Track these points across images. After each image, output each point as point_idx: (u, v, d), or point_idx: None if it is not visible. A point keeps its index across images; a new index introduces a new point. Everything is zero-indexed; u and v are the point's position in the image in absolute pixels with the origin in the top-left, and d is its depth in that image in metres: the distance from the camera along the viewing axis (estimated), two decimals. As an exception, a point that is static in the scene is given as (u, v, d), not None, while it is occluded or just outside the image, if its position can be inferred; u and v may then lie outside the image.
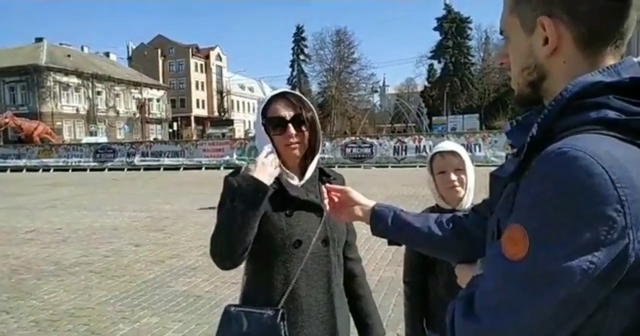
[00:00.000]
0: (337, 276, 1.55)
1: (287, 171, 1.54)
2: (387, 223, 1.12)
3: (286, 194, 1.48)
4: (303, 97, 1.56)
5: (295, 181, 1.54)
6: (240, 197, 1.36)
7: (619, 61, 0.72)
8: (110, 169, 21.86)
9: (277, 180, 1.49)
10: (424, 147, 18.80)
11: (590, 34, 0.70)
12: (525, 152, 0.69)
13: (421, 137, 19.92)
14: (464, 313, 0.69)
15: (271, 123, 1.50)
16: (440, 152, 1.74)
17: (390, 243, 1.16)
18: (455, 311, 0.71)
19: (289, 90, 1.57)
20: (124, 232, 7.75)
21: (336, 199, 1.23)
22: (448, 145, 1.77)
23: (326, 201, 1.21)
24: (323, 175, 1.60)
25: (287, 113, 1.49)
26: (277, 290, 1.46)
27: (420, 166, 17.95)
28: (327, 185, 1.26)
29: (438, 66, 53.91)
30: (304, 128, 1.50)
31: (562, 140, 0.65)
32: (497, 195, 0.76)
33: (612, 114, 0.65)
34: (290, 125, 1.49)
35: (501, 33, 0.81)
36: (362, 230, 1.68)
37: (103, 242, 7.06)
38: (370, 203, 1.18)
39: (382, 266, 5.27)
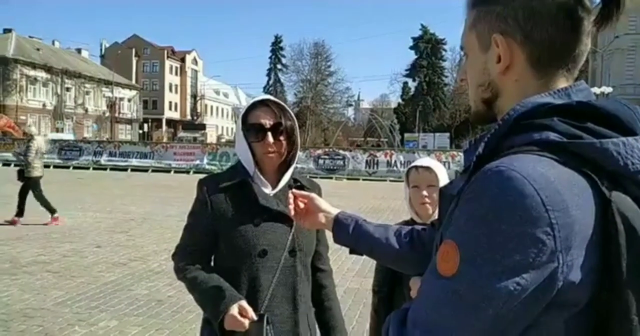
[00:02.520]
0: (304, 287, 1.54)
1: (262, 178, 1.54)
2: (348, 233, 1.12)
3: (256, 203, 1.48)
4: (285, 105, 1.56)
5: (268, 189, 1.54)
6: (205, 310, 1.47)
7: (572, 84, 0.73)
8: (75, 167, 21.18)
9: (249, 187, 1.50)
10: (395, 161, 19.12)
11: (542, 55, 0.72)
12: (471, 170, 0.69)
13: (393, 152, 20.23)
14: (396, 329, 0.69)
15: (250, 130, 1.50)
16: (416, 167, 1.77)
17: (351, 252, 1.17)
18: (390, 326, 0.71)
19: (271, 98, 1.57)
20: (86, 232, 7.52)
21: (302, 205, 1.23)
22: (425, 160, 1.80)
23: (291, 207, 1.22)
24: (297, 184, 1.59)
25: (267, 121, 1.49)
26: (248, 298, 1.44)
27: (390, 180, 18.21)
28: (294, 190, 1.27)
29: (412, 84, 54.78)
30: (282, 138, 1.50)
31: (501, 159, 0.65)
32: (444, 211, 0.76)
33: (553, 136, 0.65)
34: (269, 133, 1.48)
35: (462, 49, 0.83)
36: (330, 240, 1.70)
37: (63, 241, 6.83)
38: (334, 211, 1.19)
39: (349, 277, 5.29)
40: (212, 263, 1.56)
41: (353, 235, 1.12)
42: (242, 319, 1.34)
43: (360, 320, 3.99)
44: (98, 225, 8.10)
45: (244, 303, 1.38)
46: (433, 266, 0.67)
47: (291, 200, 1.23)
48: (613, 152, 0.63)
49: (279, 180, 1.56)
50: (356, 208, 10.14)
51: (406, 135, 43.14)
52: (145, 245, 6.73)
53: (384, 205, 11.35)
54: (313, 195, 1.25)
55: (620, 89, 29.83)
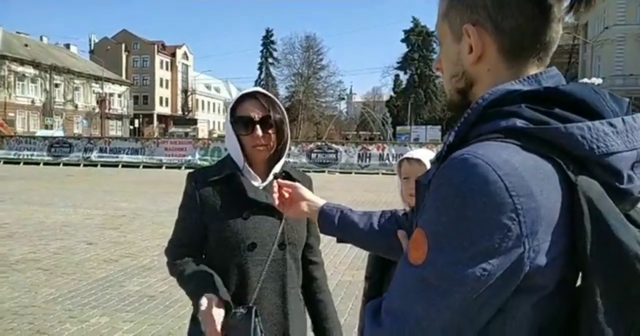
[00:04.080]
0: (293, 279, 1.54)
1: (251, 171, 1.53)
2: (333, 223, 1.13)
3: (245, 196, 1.47)
4: (274, 97, 1.55)
5: (257, 182, 1.53)
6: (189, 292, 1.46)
7: (543, 71, 0.73)
8: (65, 164, 21.03)
9: (238, 180, 1.49)
10: (387, 155, 19.17)
11: (513, 44, 0.72)
12: (442, 159, 0.69)
13: (385, 145, 20.27)
14: (372, 316, 0.70)
15: (239, 122, 1.49)
16: (407, 158, 1.78)
17: (338, 240, 1.18)
18: (366, 315, 0.72)
19: (261, 90, 1.55)
20: (76, 229, 7.46)
21: (287, 195, 1.24)
22: (416, 152, 1.80)
23: (276, 195, 1.22)
24: (288, 177, 1.58)
25: (256, 114, 1.48)
26: (237, 292, 1.44)
27: (383, 173, 18.26)
28: (279, 180, 1.27)
29: (404, 77, 54.99)
30: (271, 131, 1.49)
31: (466, 147, 0.65)
32: (420, 200, 0.77)
33: (519, 123, 0.66)
34: (258, 126, 1.47)
35: (437, 39, 0.83)
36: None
37: (53, 238, 6.78)
38: (319, 201, 1.20)
39: (341, 270, 5.30)
40: (203, 257, 1.55)
41: (339, 226, 1.13)
42: (206, 310, 1.31)
43: (352, 312, 4.01)
44: (89, 222, 8.04)
45: (210, 296, 1.35)
46: (405, 255, 0.68)
47: (275, 190, 1.23)
48: (578, 136, 0.64)
49: (268, 174, 1.55)
50: (349, 202, 10.17)
51: (398, 128, 43.23)
52: (137, 241, 6.70)
53: (377, 198, 11.39)
54: (297, 184, 1.25)
55: (610, 80, 30.05)
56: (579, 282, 0.66)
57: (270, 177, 1.54)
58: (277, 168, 1.55)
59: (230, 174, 1.50)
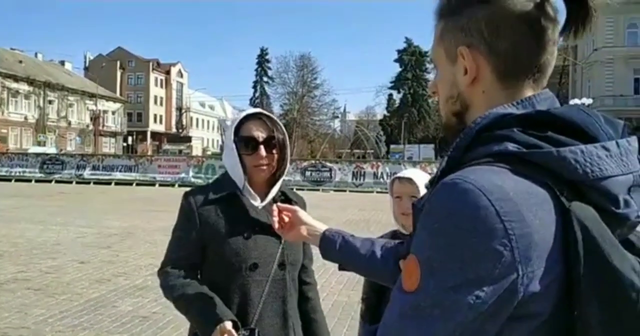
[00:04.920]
0: (293, 299, 1.54)
1: (252, 191, 1.53)
2: (335, 249, 1.12)
3: (246, 215, 1.48)
4: (276, 119, 1.57)
5: (257, 202, 1.53)
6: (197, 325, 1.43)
7: (536, 93, 0.72)
8: (57, 181, 20.84)
9: (239, 200, 1.49)
10: (382, 173, 19.20)
11: (507, 66, 0.72)
12: (435, 184, 0.68)
13: (379, 163, 20.33)
14: None
15: (243, 142, 1.50)
16: (399, 178, 1.79)
17: (340, 268, 1.17)
18: None
19: (264, 111, 1.58)
20: (68, 247, 7.36)
21: (287, 219, 1.24)
22: (408, 172, 1.82)
23: (275, 219, 1.22)
24: (285, 197, 1.60)
25: (260, 134, 1.50)
26: (238, 312, 1.42)
27: (377, 192, 18.24)
28: (278, 204, 1.27)
29: (397, 96, 55.43)
30: (274, 151, 1.51)
31: (458, 172, 0.65)
32: (415, 225, 0.76)
33: (511, 147, 0.65)
34: (262, 146, 1.49)
35: (432, 62, 0.83)
36: (318, 253, 1.69)
37: (44, 257, 6.67)
38: (320, 226, 1.19)
39: (337, 290, 5.25)
40: (199, 277, 1.54)
41: (340, 251, 1.12)
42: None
43: (348, 333, 3.96)
44: (81, 240, 7.94)
45: (229, 325, 1.35)
46: (399, 281, 0.67)
47: (275, 214, 1.23)
48: (571, 160, 0.63)
49: (267, 193, 1.56)
50: (343, 220, 10.13)
51: (392, 146, 43.45)
52: (130, 260, 6.61)
53: (371, 216, 11.36)
54: (297, 208, 1.26)
55: (600, 101, 30.53)
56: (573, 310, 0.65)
57: (270, 196, 1.55)
58: (275, 189, 1.56)
59: (231, 193, 1.50)
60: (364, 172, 19.44)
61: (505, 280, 0.59)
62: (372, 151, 39.53)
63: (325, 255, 1.15)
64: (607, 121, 0.69)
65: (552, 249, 0.61)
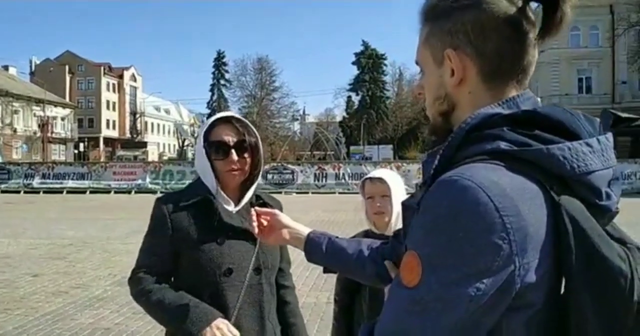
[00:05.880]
0: (270, 304, 1.52)
1: (225, 196, 1.50)
2: (321, 250, 1.11)
3: (220, 221, 1.45)
4: (247, 122, 1.54)
5: (231, 207, 1.51)
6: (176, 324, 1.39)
7: (519, 93, 0.76)
8: (3, 191, 19.75)
9: (212, 205, 1.46)
10: (343, 174, 19.36)
11: (493, 67, 0.75)
12: (429, 182, 0.71)
13: (341, 164, 20.49)
14: None
15: (213, 147, 1.47)
16: (370, 178, 1.80)
17: (325, 270, 1.16)
18: None
19: (234, 115, 1.55)
20: (19, 260, 6.97)
21: (265, 223, 1.22)
22: (378, 172, 1.84)
23: (255, 224, 1.20)
24: (259, 201, 1.57)
25: (230, 139, 1.47)
26: None
27: (339, 193, 18.37)
28: (257, 208, 1.26)
29: (356, 98, 56.07)
30: (246, 155, 1.48)
31: (455, 169, 0.67)
32: (408, 223, 0.78)
33: (503, 145, 0.68)
34: (233, 150, 1.46)
35: (417, 64, 0.85)
36: (292, 255, 1.66)
37: (-6, 271, 6.29)
38: (302, 228, 1.18)
39: (305, 292, 5.22)
40: (172, 284, 1.49)
41: (327, 253, 1.11)
42: (228, 333, 1.33)
43: (318, 334, 3.94)
44: (33, 252, 7.54)
45: (221, 321, 1.34)
46: (397, 278, 0.68)
47: (254, 218, 1.22)
48: (559, 156, 0.66)
49: (241, 197, 1.53)
50: (307, 222, 10.09)
51: (352, 147, 43.89)
52: (87, 271, 6.32)
53: (336, 217, 11.42)
54: (276, 211, 1.24)
55: (547, 100, 31.99)
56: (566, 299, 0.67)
57: (245, 200, 1.52)
58: (250, 193, 1.54)
59: (204, 198, 1.47)
60: (326, 174, 19.52)
61: (504, 272, 0.62)
62: (332, 152, 39.74)
63: (311, 258, 1.14)
64: (587, 119, 0.73)
65: (544, 241, 0.64)
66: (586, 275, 0.63)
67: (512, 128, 0.69)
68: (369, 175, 1.82)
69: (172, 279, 1.50)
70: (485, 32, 0.74)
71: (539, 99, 0.80)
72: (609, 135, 0.73)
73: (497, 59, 0.74)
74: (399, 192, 1.77)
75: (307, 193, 18.85)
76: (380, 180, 1.77)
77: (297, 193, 18.81)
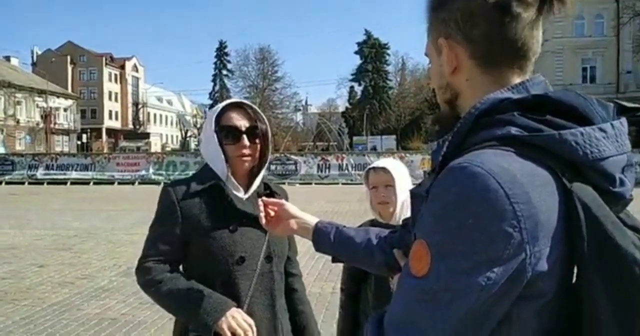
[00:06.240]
0: (280, 292, 1.52)
1: (235, 182, 1.49)
2: (330, 240, 1.11)
3: (232, 207, 1.43)
4: (258, 109, 1.53)
5: (241, 193, 1.49)
6: (189, 316, 1.39)
7: (529, 78, 0.74)
8: (7, 183, 19.83)
9: (223, 191, 1.45)
10: (347, 165, 19.34)
11: (484, 53, 0.74)
12: (438, 169, 0.70)
13: (344, 155, 20.46)
14: (375, 331, 0.69)
15: (225, 132, 1.45)
16: (374, 168, 1.80)
17: (334, 260, 1.16)
18: (368, 328, 0.71)
19: (245, 101, 1.54)
20: (25, 251, 7.01)
21: (272, 213, 1.22)
22: (382, 161, 1.83)
23: (262, 214, 1.20)
24: (267, 189, 1.57)
25: (242, 124, 1.46)
26: None
27: (342, 183, 18.37)
28: (264, 198, 1.25)
29: (358, 88, 55.73)
30: (257, 141, 1.48)
31: (464, 156, 0.66)
32: (416, 211, 0.77)
33: (514, 131, 0.67)
34: (244, 135, 1.45)
35: (427, 56, 0.85)
36: (299, 244, 1.66)
37: (0, 262, 6.33)
38: (310, 218, 1.18)
39: (310, 281, 5.24)
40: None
41: (335, 242, 1.11)
42: (243, 322, 1.34)
43: (323, 325, 3.95)
44: (38, 243, 7.58)
45: (236, 310, 1.35)
46: (406, 267, 0.67)
47: (262, 208, 1.21)
48: (572, 142, 0.65)
49: (250, 184, 1.52)
50: (311, 213, 10.12)
51: (355, 138, 43.76)
52: (92, 261, 6.35)
53: (339, 208, 11.42)
54: (283, 201, 1.24)
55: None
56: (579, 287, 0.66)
57: (254, 187, 1.51)
58: (259, 179, 1.53)
59: (214, 185, 1.45)
60: (329, 164, 19.50)
61: (515, 260, 0.60)
62: (335, 143, 39.67)
63: (319, 248, 1.14)
64: (600, 104, 0.71)
65: (556, 229, 0.63)
66: (599, 264, 0.62)
67: (522, 113, 0.68)
68: (372, 165, 1.82)
69: (183, 268, 1.49)
70: (473, 18, 0.73)
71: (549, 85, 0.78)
72: (623, 120, 0.71)
73: (486, 44, 0.73)
74: (403, 181, 1.76)
75: (310, 184, 18.85)
76: (384, 169, 1.76)
77: (300, 184, 18.81)
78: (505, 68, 0.74)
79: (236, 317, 1.33)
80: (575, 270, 0.64)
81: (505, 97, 0.71)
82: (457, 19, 0.74)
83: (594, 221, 0.62)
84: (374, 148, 33.64)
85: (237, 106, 1.49)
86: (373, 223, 1.83)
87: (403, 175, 1.79)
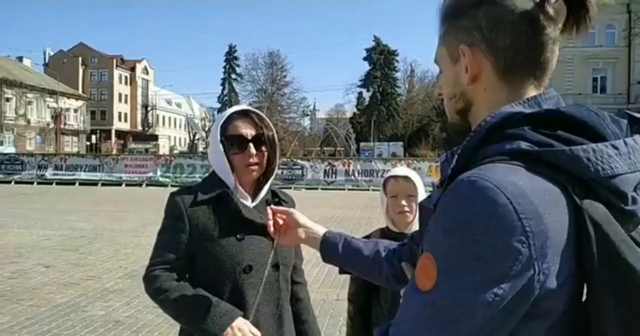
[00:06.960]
0: (287, 301, 1.52)
1: (242, 190, 1.49)
2: (337, 251, 1.10)
3: (239, 216, 1.43)
4: (264, 115, 1.53)
5: (248, 201, 1.49)
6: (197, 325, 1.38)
7: (542, 92, 0.74)
8: (17, 182, 20.00)
9: (230, 200, 1.44)
10: (353, 171, 19.30)
11: (507, 63, 0.73)
12: (446, 183, 0.69)
13: (351, 161, 20.41)
14: None
15: (231, 141, 1.45)
16: (395, 176, 1.76)
17: (341, 271, 1.15)
18: None
19: (251, 108, 1.54)
20: (32, 251, 7.06)
21: (280, 221, 1.21)
22: (402, 170, 1.81)
23: (270, 223, 1.19)
24: (275, 197, 1.56)
25: (249, 132, 1.45)
26: None
27: (349, 189, 18.33)
28: (272, 206, 1.25)
29: (367, 94, 55.75)
30: (264, 149, 1.47)
31: (473, 170, 0.65)
32: (424, 224, 0.76)
33: (524, 145, 0.66)
34: (251, 144, 1.45)
35: (436, 63, 0.84)
36: (304, 252, 1.65)
37: (7, 262, 6.37)
38: (318, 228, 1.17)
39: (314, 288, 5.22)
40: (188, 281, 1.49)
41: (343, 253, 1.10)
42: (250, 334, 1.34)
43: (327, 332, 3.94)
44: (45, 243, 7.63)
45: (241, 321, 1.34)
46: (413, 281, 0.66)
47: (270, 216, 1.20)
48: (583, 158, 0.64)
49: (257, 192, 1.51)
50: (317, 218, 10.07)
51: (362, 144, 43.72)
52: (98, 263, 6.38)
53: (345, 214, 11.38)
54: (292, 210, 1.23)
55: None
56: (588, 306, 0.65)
57: (262, 195, 1.51)
58: (266, 187, 1.52)
59: (222, 193, 1.45)
60: (336, 170, 19.47)
61: (523, 276, 0.59)
62: (342, 149, 39.70)
63: (326, 258, 1.13)
64: (613, 120, 0.71)
65: (565, 246, 0.62)
66: (609, 282, 0.61)
67: (533, 128, 0.67)
68: (392, 173, 1.78)
69: (189, 276, 1.49)
70: (498, 26, 0.72)
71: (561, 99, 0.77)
72: (637, 137, 0.70)
73: (511, 53, 0.72)
74: (422, 191, 1.75)
75: (317, 189, 18.83)
76: (406, 178, 1.73)
77: (306, 188, 18.79)
78: (524, 80, 0.74)
79: (242, 329, 1.32)
80: (585, 289, 0.63)
81: (516, 111, 0.70)
82: (481, 27, 0.73)
83: (604, 239, 0.61)
84: (380, 155, 33.57)
85: (243, 114, 1.49)
86: (384, 231, 1.81)
87: (422, 184, 1.76)
